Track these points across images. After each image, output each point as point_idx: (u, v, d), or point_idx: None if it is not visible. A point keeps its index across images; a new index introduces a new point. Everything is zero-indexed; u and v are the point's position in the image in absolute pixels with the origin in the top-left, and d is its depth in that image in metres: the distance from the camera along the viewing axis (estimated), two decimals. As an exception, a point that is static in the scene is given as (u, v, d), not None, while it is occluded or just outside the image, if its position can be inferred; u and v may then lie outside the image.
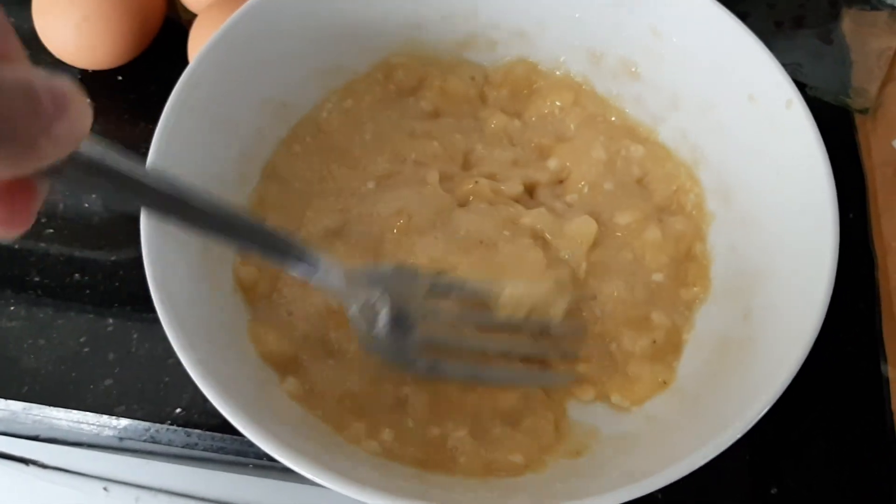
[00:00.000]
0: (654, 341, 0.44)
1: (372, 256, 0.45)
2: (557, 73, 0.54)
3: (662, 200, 0.50)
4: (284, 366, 0.42)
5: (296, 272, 0.38)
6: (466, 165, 0.51)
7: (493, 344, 0.44)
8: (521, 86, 0.54)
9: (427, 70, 0.53)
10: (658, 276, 0.47)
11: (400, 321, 0.40)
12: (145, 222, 0.38)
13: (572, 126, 0.52)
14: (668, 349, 0.45)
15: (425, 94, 0.53)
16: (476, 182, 0.48)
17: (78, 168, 0.26)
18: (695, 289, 0.47)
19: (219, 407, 0.34)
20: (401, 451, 0.40)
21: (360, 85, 0.52)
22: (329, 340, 0.43)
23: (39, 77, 0.23)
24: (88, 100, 0.25)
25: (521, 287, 0.44)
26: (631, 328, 0.45)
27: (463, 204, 0.48)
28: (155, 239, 0.38)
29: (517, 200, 0.49)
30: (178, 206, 0.32)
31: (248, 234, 0.35)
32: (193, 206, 0.32)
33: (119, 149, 0.28)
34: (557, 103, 0.53)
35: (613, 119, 0.53)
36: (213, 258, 0.42)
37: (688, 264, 0.48)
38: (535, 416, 0.42)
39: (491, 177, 0.49)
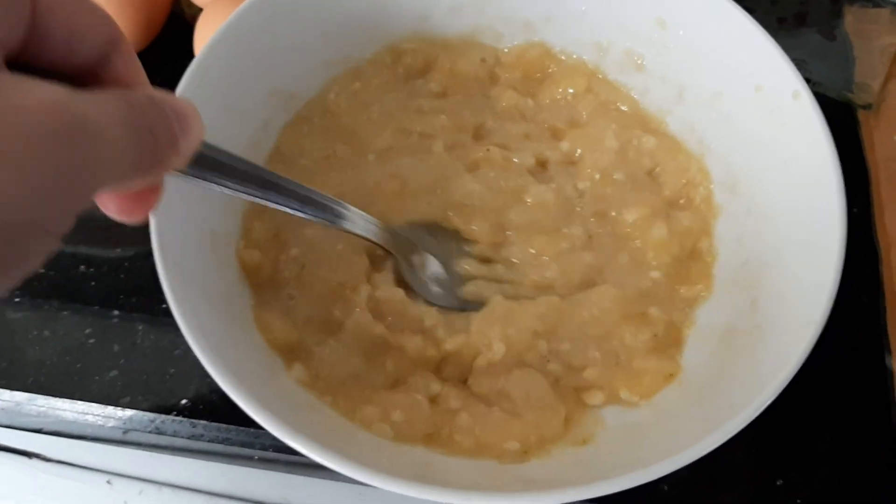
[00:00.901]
0: (656, 335, 0.44)
1: None
2: (570, 59, 0.54)
3: (672, 193, 0.50)
4: (291, 352, 0.42)
5: (342, 228, 0.41)
6: (477, 137, 0.51)
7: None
8: (534, 69, 0.54)
9: (435, 53, 0.53)
10: (655, 274, 0.47)
11: (444, 271, 0.46)
12: (154, 212, 0.38)
13: (584, 113, 0.52)
14: (670, 342, 0.45)
15: (434, 76, 0.53)
16: (487, 150, 0.49)
17: (192, 166, 0.30)
18: (697, 286, 0.47)
19: (230, 393, 0.34)
20: (410, 430, 0.40)
21: (368, 68, 0.52)
22: (330, 320, 0.44)
23: (168, 101, 0.26)
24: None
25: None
26: (630, 323, 0.45)
27: (472, 171, 0.49)
28: (164, 229, 0.38)
29: (530, 173, 0.49)
30: (270, 188, 0.36)
31: (320, 207, 0.40)
32: (281, 188, 0.37)
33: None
34: (570, 90, 0.53)
35: (625, 108, 0.53)
36: (221, 246, 0.43)
37: (691, 262, 0.48)
38: (542, 410, 0.42)
39: (503, 146, 0.49)
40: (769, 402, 0.35)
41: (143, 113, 0.25)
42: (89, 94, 0.23)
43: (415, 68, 0.53)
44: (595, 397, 0.43)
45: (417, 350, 0.43)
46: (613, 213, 0.48)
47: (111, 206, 0.29)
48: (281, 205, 0.37)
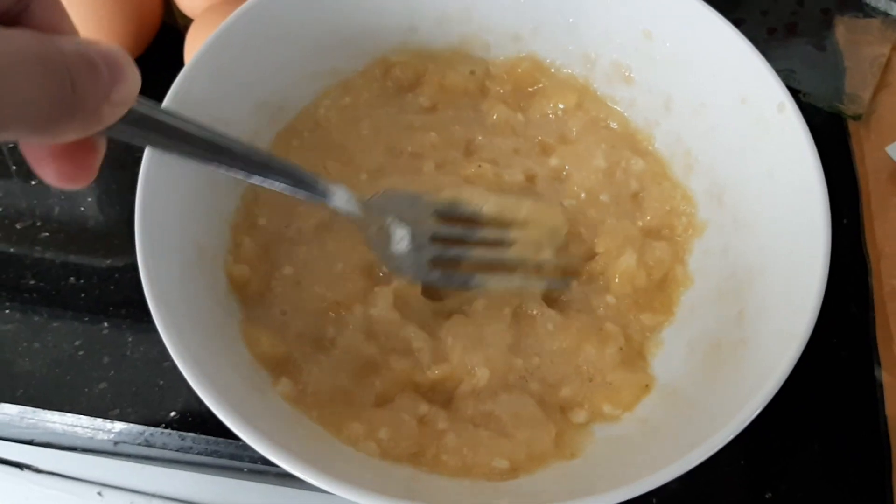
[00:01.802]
0: (621, 348, 0.44)
1: (359, 243, 0.46)
2: (561, 73, 0.54)
3: (654, 220, 0.50)
4: (278, 366, 0.42)
5: (316, 201, 0.40)
6: (468, 153, 0.51)
7: (496, 254, 0.46)
8: (524, 83, 0.54)
9: (425, 66, 0.53)
10: (610, 299, 0.47)
11: (412, 240, 0.44)
12: (140, 223, 0.38)
13: (574, 129, 0.52)
14: (635, 356, 0.45)
15: (423, 90, 0.53)
16: (479, 166, 0.49)
17: (129, 124, 0.29)
18: (658, 316, 0.47)
19: (213, 408, 0.34)
20: (396, 449, 0.40)
21: (358, 81, 0.52)
22: (323, 337, 0.43)
23: (96, 47, 0.25)
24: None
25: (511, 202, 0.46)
26: (588, 341, 0.45)
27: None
28: (149, 240, 0.38)
29: (519, 189, 0.49)
30: (215, 150, 0.35)
31: (278, 171, 0.38)
32: (228, 150, 0.35)
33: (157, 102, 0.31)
34: (560, 106, 0.53)
35: (615, 125, 0.53)
36: (207, 259, 0.43)
37: (655, 293, 0.48)
38: (532, 429, 0.42)
39: (493, 162, 0.49)
40: (753, 416, 0.35)
41: (60, 54, 0.24)
42: None
43: (405, 81, 0.53)
44: (579, 415, 0.43)
45: (406, 372, 0.43)
46: (589, 237, 0.48)
47: (48, 170, 0.28)
48: (239, 170, 0.36)
